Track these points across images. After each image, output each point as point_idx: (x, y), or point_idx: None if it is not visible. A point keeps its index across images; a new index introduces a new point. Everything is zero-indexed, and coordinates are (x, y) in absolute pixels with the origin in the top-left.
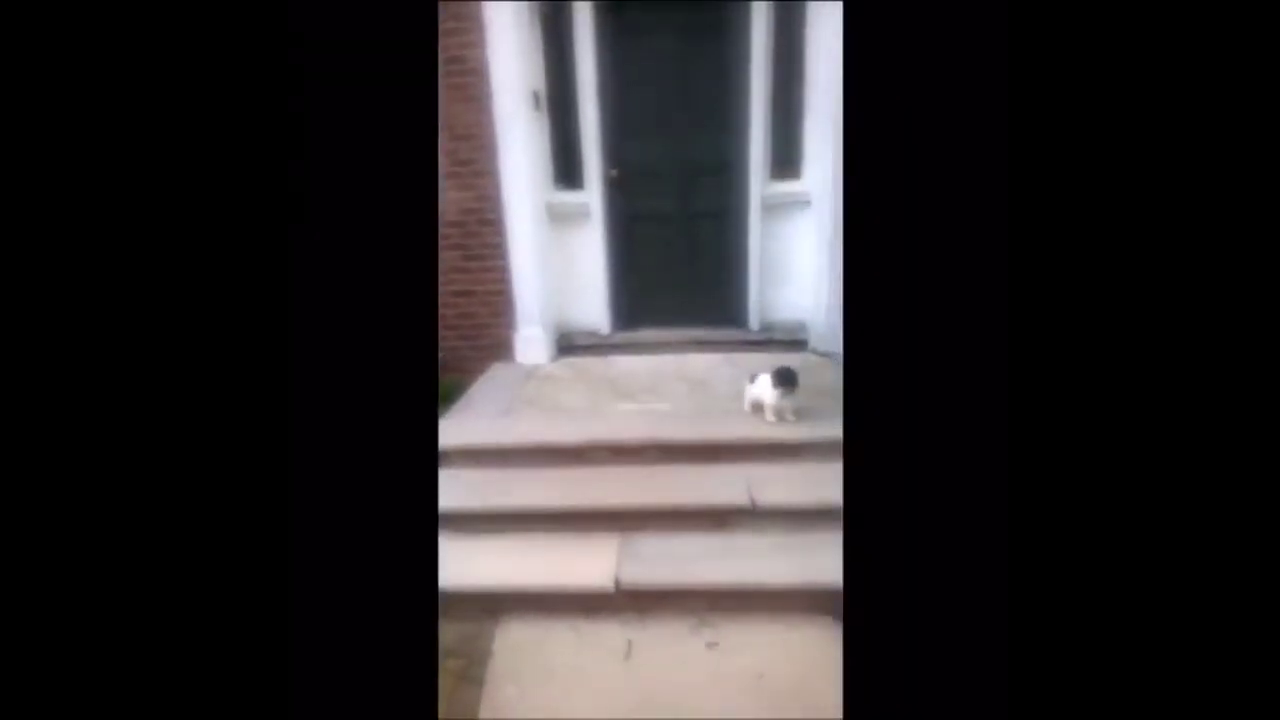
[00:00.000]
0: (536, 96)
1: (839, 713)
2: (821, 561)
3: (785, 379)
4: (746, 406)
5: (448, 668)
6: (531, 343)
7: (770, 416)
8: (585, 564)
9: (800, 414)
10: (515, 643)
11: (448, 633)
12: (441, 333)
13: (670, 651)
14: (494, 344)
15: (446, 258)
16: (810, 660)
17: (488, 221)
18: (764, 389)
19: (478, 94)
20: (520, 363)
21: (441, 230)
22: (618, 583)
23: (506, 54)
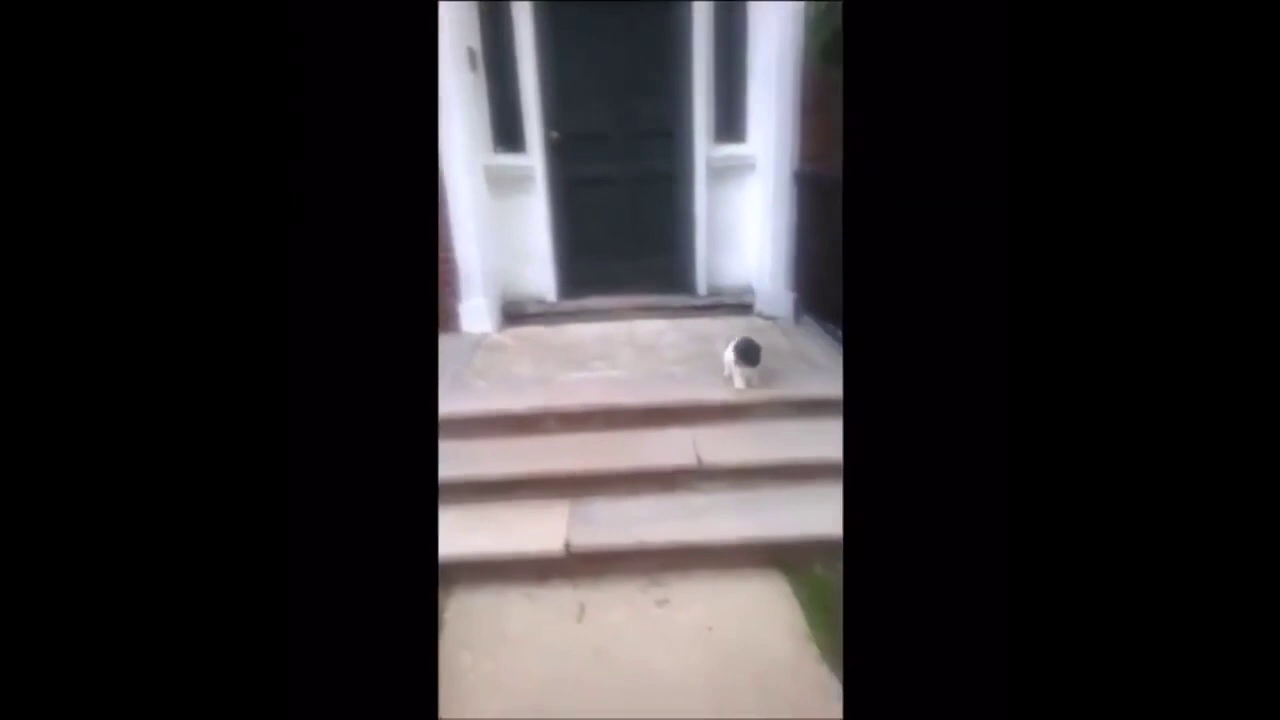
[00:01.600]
0: (472, 54)
1: (787, 661)
2: (767, 516)
3: (746, 355)
4: (726, 372)
5: None
6: (477, 312)
7: (739, 383)
8: (537, 530)
9: (764, 378)
10: (468, 610)
11: None
12: None
13: (621, 611)
14: (439, 314)
15: None
16: (758, 612)
17: None
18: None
19: None
20: (467, 332)
21: None
22: (568, 546)
23: (440, 10)
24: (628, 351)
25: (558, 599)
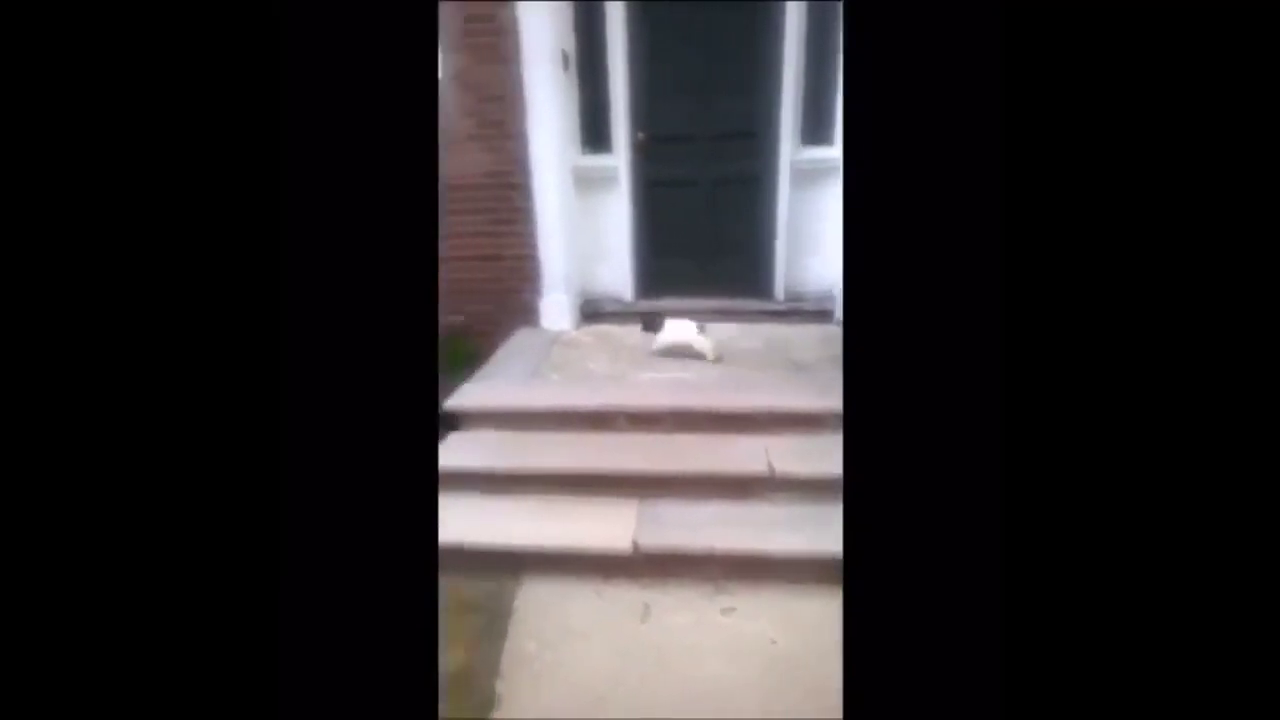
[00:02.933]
0: (565, 56)
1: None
2: (837, 532)
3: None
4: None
5: (472, 622)
6: (556, 308)
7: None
8: (605, 527)
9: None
10: (536, 600)
11: (472, 588)
12: (467, 296)
13: (686, 615)
14: (519, 309)
15: (472, 221)
16: (823, 629)
17: (514, 185)
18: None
19: (506, 54)
20: (545, 328)
21: (468, 194)
22: (636, 546)
23: (536, 12)
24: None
25: (623, 597)
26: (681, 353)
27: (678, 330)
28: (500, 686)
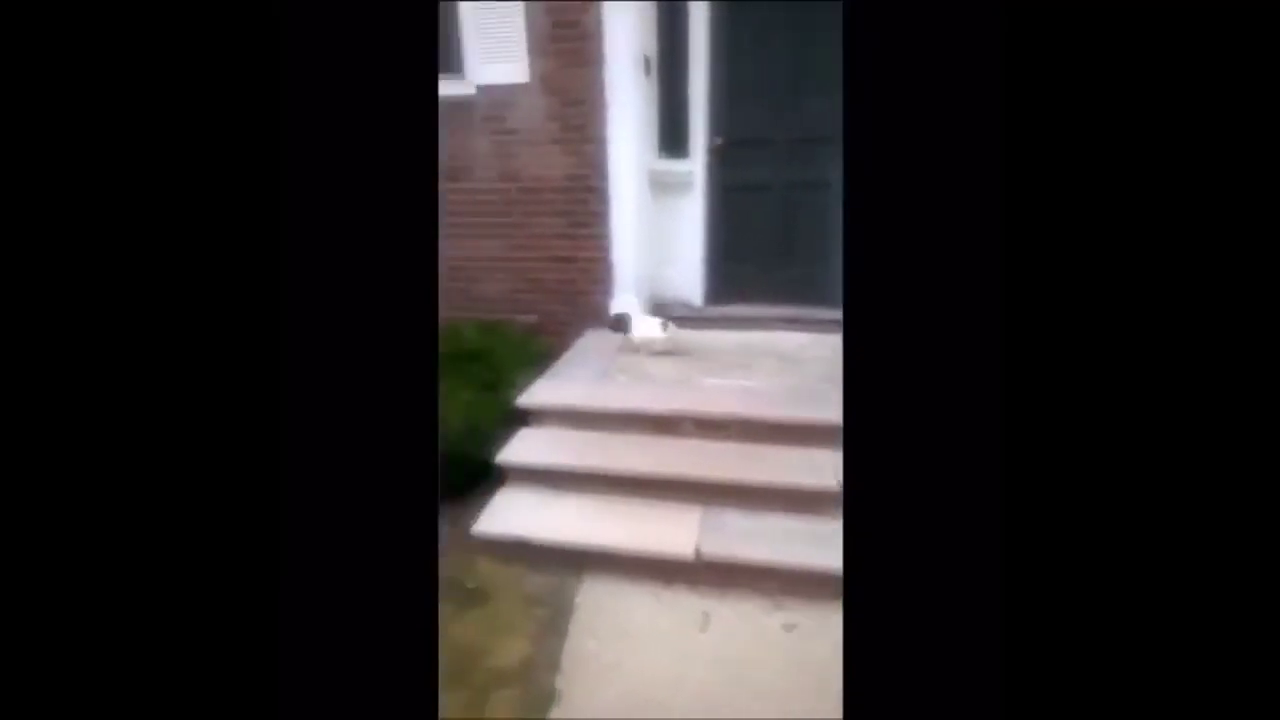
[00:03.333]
0: (647, 61)
1: None
2: None
3: (617, 324)
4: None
5: (535, 615)
6: (625, 311)
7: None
8: (668, 532)
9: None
10: (597, 600)
11: (536, 583)
12: (540, 296)
13: (747, 628)
14: (590, 310)
15: (550, 224)
16: None
17: (592, 188)
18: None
19: (590, 58)
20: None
21: (546, 196)
22: (699, 553)
23: (621, 14)
24: (769, 362)
25: (682, 604)
26: (647, 347)
27: (645, 327)
28: (560, 682)
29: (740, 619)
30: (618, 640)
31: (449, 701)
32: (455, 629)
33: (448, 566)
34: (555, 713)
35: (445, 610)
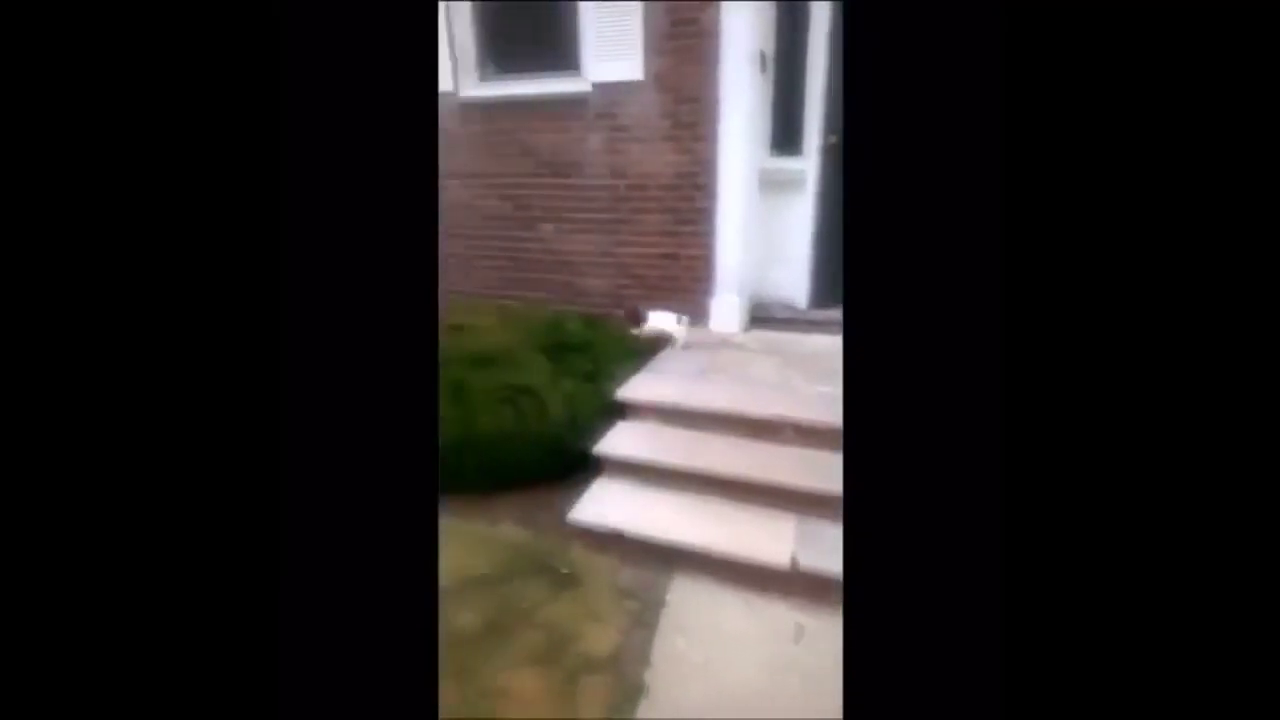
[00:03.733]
0: (763, 57)
1: None
2: None
3: (634, 316)
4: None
5: (626, 607)
6: (728, 310)
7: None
8: (762, 539)
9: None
10: (688, 599)
11: (627, 575)
12: (642, 291)
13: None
14: (692, 308)
15: (655, 221)
16: None
17: (700, 186)
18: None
19: (706, 56)
20: (714, 330)
21: (653, 193)
22: (795, 563)
23: (739, 12)
24: None
25: (774, 613)
26: (663, 337)
27: (659, 320)
28: (649, 677)
29: (835, 636)
30: (708, 642)
31: (540, 680)
32: (548, 611)
33: (543, 549)
34: (644, 707)
35: (539, 592)
